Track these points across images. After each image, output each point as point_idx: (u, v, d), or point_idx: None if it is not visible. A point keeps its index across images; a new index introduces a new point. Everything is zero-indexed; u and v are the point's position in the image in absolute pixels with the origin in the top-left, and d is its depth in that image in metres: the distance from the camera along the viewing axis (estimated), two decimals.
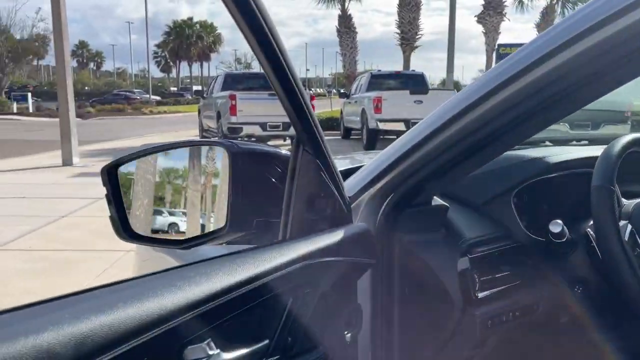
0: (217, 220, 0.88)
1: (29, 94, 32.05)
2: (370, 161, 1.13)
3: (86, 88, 54.75)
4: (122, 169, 0.92)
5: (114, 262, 4.20)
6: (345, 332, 0.93)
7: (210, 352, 0.65)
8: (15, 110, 28.27)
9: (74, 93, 10.79)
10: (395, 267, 1.09)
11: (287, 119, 0.83)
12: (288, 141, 11.70)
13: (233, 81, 13.12)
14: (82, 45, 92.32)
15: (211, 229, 0.89)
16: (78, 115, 13.40)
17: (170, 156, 0.95)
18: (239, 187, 0.84)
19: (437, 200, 1.16)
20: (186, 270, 0.70)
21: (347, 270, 0.92)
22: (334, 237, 0.87)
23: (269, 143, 9.04)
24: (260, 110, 10.91)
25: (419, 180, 1.03)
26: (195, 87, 55.29)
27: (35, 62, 55.27)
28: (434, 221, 1.14)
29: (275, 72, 0.76)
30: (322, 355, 0.86)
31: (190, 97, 44.80)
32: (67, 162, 9.67)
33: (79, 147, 10.25)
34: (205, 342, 0.64)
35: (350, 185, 1.07)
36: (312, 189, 0.87)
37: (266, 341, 0.75)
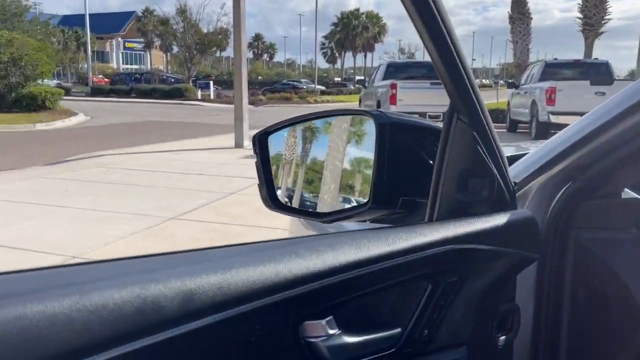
0: (360, 195, 0.84)
1: (211, 82, 35.41)
2: (542, 145, 0.99)
3: (259, 77, 58.80)
4: (272, 137, 0.92)
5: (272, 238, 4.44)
6: (498, 335, 0.82)
7: (331, 332, 0.60)
8: (199, 97, 31.45)
9: (248, 82, 11.66)
10: (567, 266, 0.93)
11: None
12: None
13: (395, 70, 13.06)
14: (258, 37, 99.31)
15: (354, 205, 0.84)
16: (250, 103, 14.47)
17: (318, 126, 0.93)
18: (384, 161, 0.78)
19: (628, 193, 0.97)
20: (312, 239, 0.66)
21: (504, 262, 0.80)
22: (490, 222, 0.76)
23: None
24: (421, 100, 10.72)
25: (607, 167, 0.87)
26: (358, 77, 56.29)
27: (217, 54, 60.97)
28: (622, 217, 0.95)
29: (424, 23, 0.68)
30: (464, 357, 0.77)
31: (352, 87, 45.74)
32: (238, 144, 10.51)
33: (249, 131, 11.08)
34: (326, 320, 0.60)
35: (516, 171, 0.94)
36: (466, 164, 0.77)
37: (398, 329, 0.69)
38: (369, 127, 0.80)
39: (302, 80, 52.91)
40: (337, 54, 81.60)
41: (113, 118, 18.57)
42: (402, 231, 0.70)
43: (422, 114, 11.03)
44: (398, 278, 0.67)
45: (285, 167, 0.95)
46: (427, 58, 0.77)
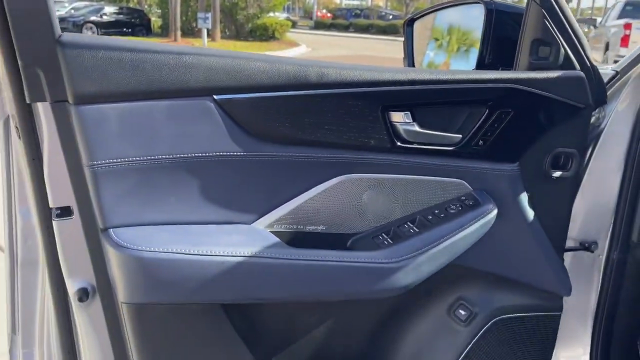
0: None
1: None
2: None
3: None
4: (417, 23, 1.24)
5: None
6: (551, 169, 1.07)
7: (407, 120, 0.94)
8: None
9: None
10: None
11: None
12: None
13: (633, 10, 11.46)
14: None
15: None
16: None
17: (452, 14, 1.22)
18: (487, 46, 1.07)
19: None
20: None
21: (555, 108, 1.09)
22: (545, 74, 1.03)
23: None
24: None
25: None
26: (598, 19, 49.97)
27: None
28: None
29: None
30: (516, 171, 1.07)
31: (586, 30, 40.86)
32: None
33: None
34: (404, 113, 0.94)
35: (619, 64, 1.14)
36: (537, 35, 1.02)
37: (459, 136, 1.00)
38: (480, 14, 1.08)
39: None
40: None
41: (331, 51, 19.83)
42: (470, 71, 1.02)
43: None
44: (461, 98, 0.99)
45: (421, 50, 1.27)
46: None
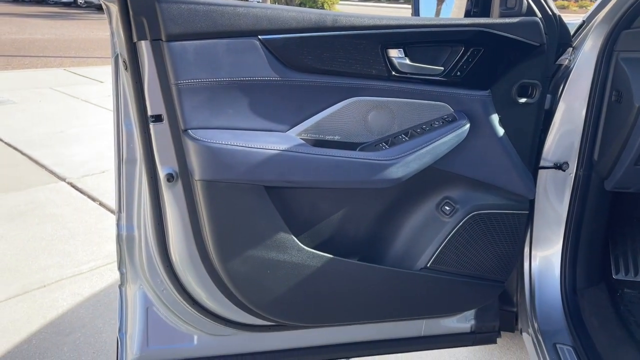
0: None
1: None
2: None
3: None
4: None
5: None
6: (518, 97, 1.46)
7: (400, 56, 1.33)
8: None
9: None
10: (608, 78, 1.60)
11: None
12: None
13: None
14: None
15: None
16: None
17: None
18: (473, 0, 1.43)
19: None
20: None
21: (516, 46, 1.46)
22: (506, 20, 1.44)
23: None
24: None
25: None
26: None
27: None
28: None
29: None
30: (488, 98, 1.44)
31: None
32: None
33: None
34: (398, 50, 1.33)
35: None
36: None
37: (442, 68, 1.39)
38: None
39: None
40: None
41: None
42: (450, 18, 1.39)
43: None
44: (443, 39, 1.39)
45: None
46: None
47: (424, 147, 1.43)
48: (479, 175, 1.56)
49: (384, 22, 1.37)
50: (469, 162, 1.54)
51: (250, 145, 1.34)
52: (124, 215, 1.55)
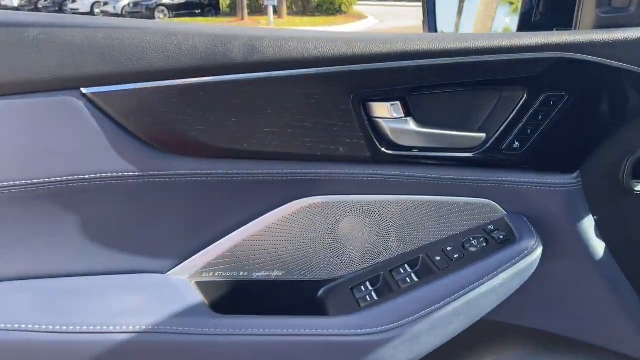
0: None
1: None
2: None
3: None
4: None
5: None
6: (633, 180, 0.68)
7: (395, 115, 0.68)
8: None
9: None
10: None
11: None
12: None
13: None
14: None
15: None
16: None
17: None
18: None
19: None
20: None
21: (630, 81, 0.68)
22: (617, 34, 0.65)
23: None
24: None
25: None
26: None
27: None
28: None
29: None
30: (578, 184, 0.76)
31: None
32: None
33: None
34: (391, 103, 0.68)
35: None
36: None
37: (482, 135, 0.68)
38: None
39: None
40: None
41: (397, 22, 19.05)
42: (497, 35, 0.64)
43: None
44: (483, 77, 0.63)
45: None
46: None
47: (449, 303, 0.69)
48: (558, 327, 0.82)
49: (359, 48, 0.64)
50: (540, 305, 0.80)
51: (68, 326, 0.62)
52: None
